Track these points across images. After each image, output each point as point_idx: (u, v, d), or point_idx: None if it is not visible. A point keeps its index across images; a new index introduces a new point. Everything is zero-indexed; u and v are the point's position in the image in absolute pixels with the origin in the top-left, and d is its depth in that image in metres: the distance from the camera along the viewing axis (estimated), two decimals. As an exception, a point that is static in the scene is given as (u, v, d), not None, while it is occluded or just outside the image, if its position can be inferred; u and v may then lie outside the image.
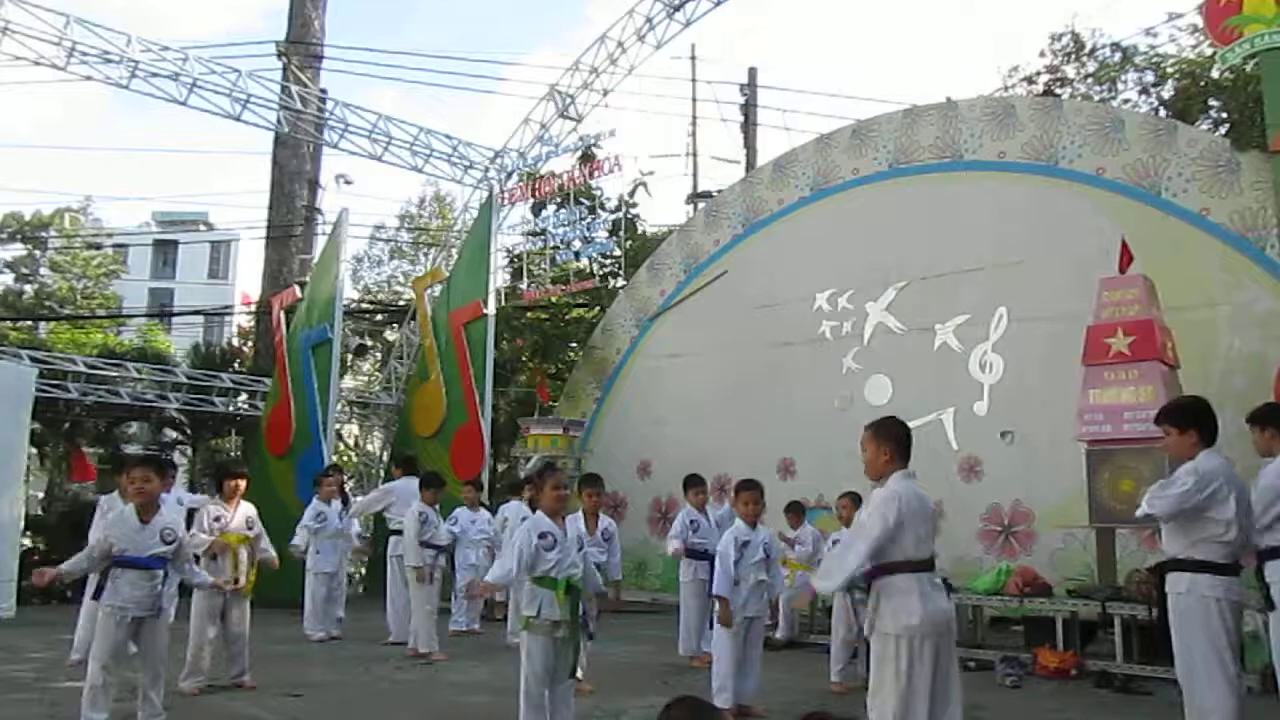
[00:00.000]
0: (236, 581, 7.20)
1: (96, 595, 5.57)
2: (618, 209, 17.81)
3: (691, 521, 8.60)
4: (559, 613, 5.09)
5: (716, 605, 6.39)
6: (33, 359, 14.76)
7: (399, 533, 10.09)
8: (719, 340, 13.69)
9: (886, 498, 4.35)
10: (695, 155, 22.30)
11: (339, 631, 10.09)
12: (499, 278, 16.27)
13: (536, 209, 18.22)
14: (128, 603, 5.50)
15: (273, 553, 7.62)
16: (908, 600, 4.23)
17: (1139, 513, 4.84)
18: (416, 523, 8.96)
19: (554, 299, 18.17)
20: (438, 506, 9.32)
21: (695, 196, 21.28)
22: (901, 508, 4.30)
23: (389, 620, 9.91)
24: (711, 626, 6.85)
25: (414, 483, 9.84)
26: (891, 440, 4.51)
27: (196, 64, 13.66)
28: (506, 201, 16.08)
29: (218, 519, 7.24)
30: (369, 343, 23.34)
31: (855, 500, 8.46)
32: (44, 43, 12.53)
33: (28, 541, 14.71)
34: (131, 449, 20.83)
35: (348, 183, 23.78)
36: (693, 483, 8.92)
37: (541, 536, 5.17)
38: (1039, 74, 16.34)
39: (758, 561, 6.39)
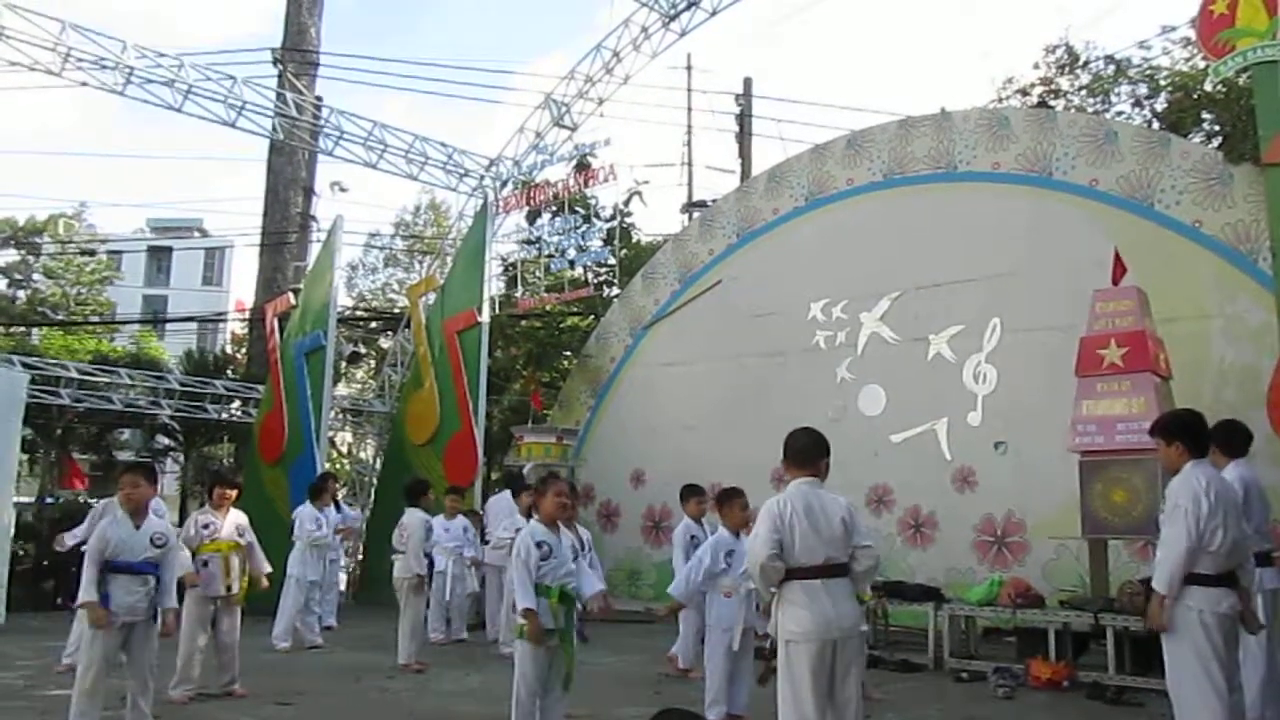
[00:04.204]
0: (229, 589, 7.17)
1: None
2: (612, 218, 17.81)
3: (691, 537, 8.34)
4: (553, 621, 5.08)
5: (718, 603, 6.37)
6: (25, 365, 14.72)
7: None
8: (713, 349, 13.68)
9: (767, 507, 4.37)
10: (690, 165, 22.38)
11: (323, 640, 10.05)
12: (493, 286, 16.26)
13: (531, 217, 18.24)
14: (119, 608, 5.47)
15: (266, 567, 7.63)
16: (794, 608, 4.23)
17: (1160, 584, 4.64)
18: (422, 531, 8.96)
19: (548, 307, 18.17)
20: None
21: (690, 206, 21.33)
22: (779, 515, 4.28)
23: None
24: (703, 640, 6.81)
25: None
26: (785, 449, 4.51)
27: (192, 70, 13.64)
28: (501, 210, 16.07)
29: (206, 526, 7.22)
30: (362, 350, 23.33)
31: None
32: (39, 48, 12.51)
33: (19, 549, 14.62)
34: (124, 456, 20.79)
35: (343, 190, 23.91)
36: (691, 493, 8.25)
37: (538, 545, 5.17)
38: (1033, 86, 16.41)
39: (744, 571, 6.36)
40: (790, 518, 4.26)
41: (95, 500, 11.79)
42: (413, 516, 9.04)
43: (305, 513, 10.21)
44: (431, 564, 9.22)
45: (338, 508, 11.84)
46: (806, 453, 4.46)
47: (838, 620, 4.20)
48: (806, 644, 4.17)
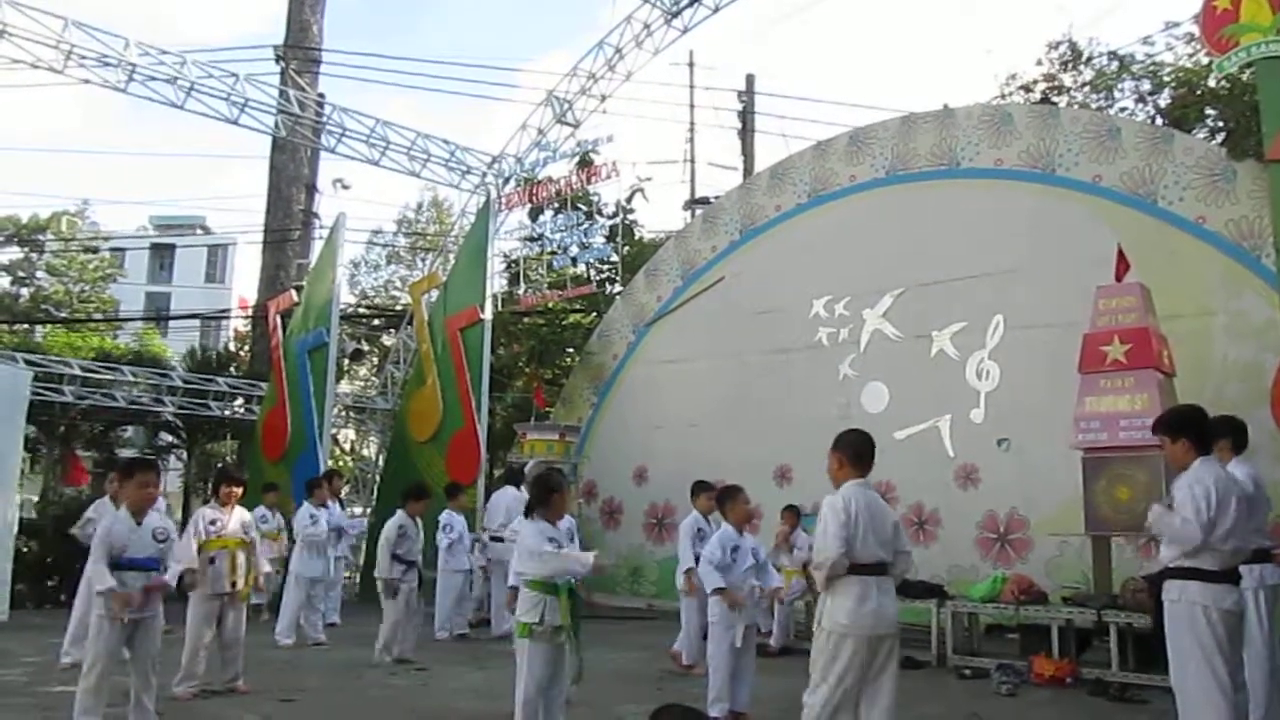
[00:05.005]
0: (234, 585, 7.18)
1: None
2: (615, 215, 17.80)
3: (699, 530, 8.21)
4: (561, 618, 5.08)
5: (719, 602, 6.34)
6: (28, 362, 14.74)
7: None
8: (716, 347, 13.67)
9: (832, 504, 4.50)
10: (693, 161, 22.35)
11: (326, 637, 10.06)
12: (496, 283, 16.25)
13: (534, 214, 18.20)
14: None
15: (266, 566, 7.68)
16: (847, 601, 4.40)
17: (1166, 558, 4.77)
18: (395, 534, 8.80)
19: (551, 304, 18.15)
20: (419, 520, 9.08)
21: (693, 203, 21.30)
22: (849, 511, 4.44)
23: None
24: (705, 636, 6.81)
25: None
26: (844, 449, 4.66)
27: (194, 68, 13.64)
28: (504, 207, 16.06)
29: (213, 523, 7.23)
30: (365, 347, 23.32)
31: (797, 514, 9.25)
32: (42, 46, 12.51)
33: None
34: (127, 453, 20.80)
35: (345, 187, 23.83)
36: (701, 488, 8.35)
37: (549, 543, 5.15)
38: (1036, 82, 16.37)
39: (749, 568, 6.37)
40: (856, 516, 4.44)
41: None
42: (390, 521, 8.96)
43: (301, 510, 10.22)
44: (406, 568, 9.01)
45: (342, 505, 11.87)
46: (863, 455, 4.64)
47: (884, 616, 4.42)
48: (854, 638, 4.36)
